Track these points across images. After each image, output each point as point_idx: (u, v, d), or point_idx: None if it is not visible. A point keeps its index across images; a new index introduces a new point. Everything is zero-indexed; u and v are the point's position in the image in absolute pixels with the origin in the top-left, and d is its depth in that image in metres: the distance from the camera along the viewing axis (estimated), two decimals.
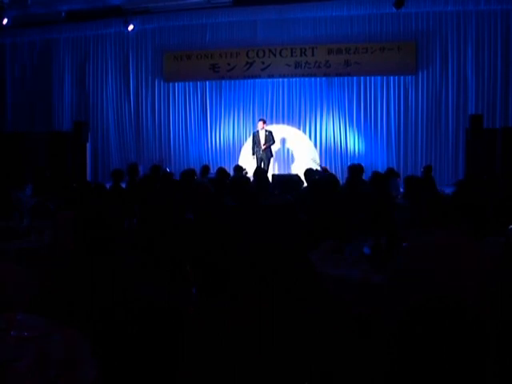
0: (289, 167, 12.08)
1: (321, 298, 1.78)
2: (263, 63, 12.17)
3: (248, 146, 11.62)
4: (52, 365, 1.69)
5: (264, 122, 11.22)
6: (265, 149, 10.96)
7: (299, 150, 12.13)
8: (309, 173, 6.73)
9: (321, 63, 11.91)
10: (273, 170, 11.56)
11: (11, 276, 2.49)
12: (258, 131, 11.17)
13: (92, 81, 13.20)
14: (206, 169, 8.57)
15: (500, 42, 11.14)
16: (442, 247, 2.70)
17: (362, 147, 11.94)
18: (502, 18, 11.13)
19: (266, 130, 11.12)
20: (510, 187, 6.47)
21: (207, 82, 12.62)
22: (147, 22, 12.35)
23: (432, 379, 1.34)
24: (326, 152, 12.08)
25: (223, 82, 12.50)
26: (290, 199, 5.07)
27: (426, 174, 8.63)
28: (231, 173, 8.11)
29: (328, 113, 12.06)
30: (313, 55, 11.94)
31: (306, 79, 12.13)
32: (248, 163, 10.75)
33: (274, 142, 11.13)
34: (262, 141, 11.01)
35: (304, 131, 12.19)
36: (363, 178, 6.81)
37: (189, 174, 7.05)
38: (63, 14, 11.90)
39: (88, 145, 12.01)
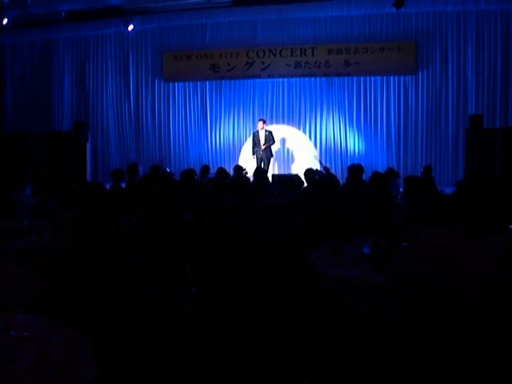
0: (289, 167, 12.08)
1: (321, 298, 1.78)
2: (263, 63, 12.17)
3: (248, 146, 11.62)
4: (52, 365, 1.69)
5: (264, 122, 11.22)
6: (265, 149, 10.96)
7: (299, 150, 12.13)
8: (309, 173, 6.73)
9: (321, 63, 11.91)
10: (273, 170, 11.56)
11: (11, 276, 2.49)
12: (257, 131, 11.17)
13: (92, 81, 13.20)
14: (205, 169, 8.57)
15: (500, 42, 11.14)
16: (442, 247, 2.70)
17: (362, 147, 11.94)
18: (502, 18, 11.13)
19: (266, 130, 11.13)
20: (510, 187, 6.47)
21: (207, 82, 12.62)
22: (147, 22, 12.35)
23: (432, 379, 1.34)
24: (326, 152, 12.08)
25: (223, 82, 12.50)
26: (290, 199, 5.07)
27: (426, 173, 8.64)
28: (231, 173, 8.11)
29: (328, 113, 12.06)
30: (313, 55, 11.94)
31: (306, 79, 12.13)
32: (248, 163, 10.75)
33: (273, 141, 11.13)
34: (262, 141, 11.01)
35: (304, 131, 12.19)
36: (363, 177, 6.81)
37: (189, 174, 7.05)
38: (63, 14, 11.90)
39: (88, 145, 12.01)
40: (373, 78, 11.83)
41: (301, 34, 11.97)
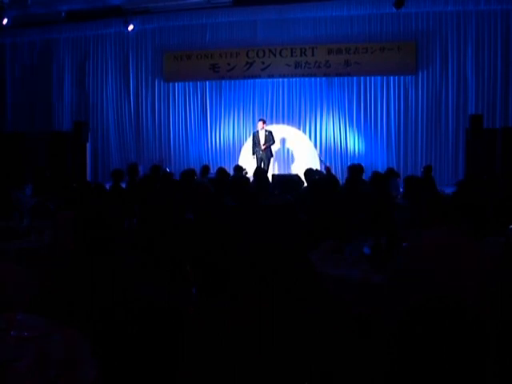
0: (289, 167, 12.07)
1: (321, 298, 1.78)
2: (263, 63, 12.17)
3: (248, 146, 11.62)
4: (52, 365, 1.69)
5: (264, 122, 11.22)
6: (264, 149, 10.96)
7: (299, 150, 12.13)
8: (309, 173, 6.73)
9: (321, 63, 11.91)
10: (273, 170, 11.56)
11: (11, 276, 2.49)
12: (257, 131, 11.17)
13: (92, 81, 13.21)
14: (205, 169, 8.57)
15: (500, 42, 11.14)
16: (442, 247, 2.70)
17: (362, 147, 11.94)
18: (502, 18, 11.13)
19: (266, 130, 11.12)
20: (510, 187, 6.47)
21: (207, 82, 12.62)
22: (147, 22, 12.35)
23: (432, 379, 1.34)
24: (326, 152, 12.08)
25: (223, 82, 12.50)
26: (290, 199, 5.07)
27: (426, 173, 8.64)
28: (231, 173, 8.11)
29: (328, 113, 12.06)
30: (313, 55, 11.94)
31: (306, 79, 12.13)
32: (248, 163, 10.75)
33: (273, 141, 11.13)
34: (262, 141, 11.01)
35: (304, 131, 12.19)
36: (363, 177, 6.81)
37: (189, 174, 7.05)
38: (63, 14, 11.91)
39: (88, 145, 12.02)
40: (373, 78, 11.83)
41: (301, 34, 11.97)
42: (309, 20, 11.89)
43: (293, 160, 12.17)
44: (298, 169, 10.27)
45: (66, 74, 13.34)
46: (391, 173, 7.62)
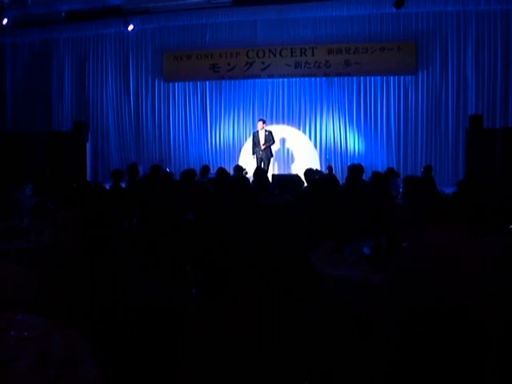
0: (289, 167, 12.08)
1: (321, 298, 1.78)
2: (263, 63, 12.17)
3: (248, 146, 11.62)
4: (52, 365, 1.69)
5: (264, 122, 11.22)
6: (264, 149, 10.96)
7: (299, 150, 12.13)
8: (309, 173, 6.72)
9: (321, 63, 11.91)
10: (273, 170, 11.56)
11: (11, 276, 2.49)
12: (257, 131, 11.17)
13: (92, 81, 13.21)
14: (205, 169, 8.56)
15: (500, 42, 11.14)
16: (442, 247, 2.70)
17: (362, 147, 11.94)
18: (502, 18, 11.13)
19: (266, 130, 11.13)
20: (510, 187, 6.47)
21: (207, 82, 12.62)
22: (147, 22, 12.35)
23: (432, 379, 1.34)
24: (326, 152, 12.08)
25: (223, 82, 12.50)
26: (290, 199, 5.07)
27: (426, 173, 8.64)
28: (231, 173, 8.11)
29: (328, 113, 12.06)
30: (313, 55, 11.94)
31: (306, 79, 12.13)
32: (248, 163, 10.75)
33: (273, 141, 11.13)
34: (262, 141, 11.01)
35: (304, 131, 12.19)
36: (363, 177, 6.81)
37: (189, 174, 7.05)
38: (63, 13, 11.91)
39: (88, 145, 12.02)
40: (373, 78, 11.83)
41: (301, 34, 11.97)
42: (309, 20, 11.89)
43: (293, 160, 12.17)
44: (298, 169, 10.28)
45: (66, 74, 13.34)
46: (391, 173, 7.61)
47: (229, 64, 12.31)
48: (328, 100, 12.06)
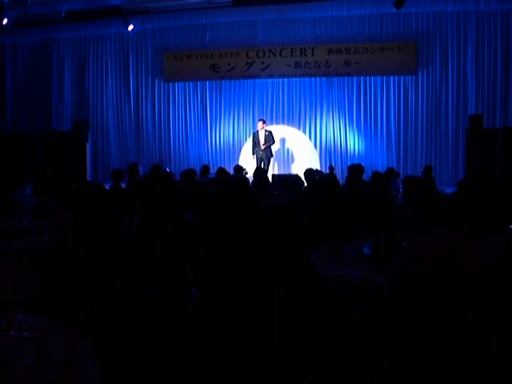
0: (289, 167, 12.08)
1: (321, 298, 1.78)
2: (263, 63, 12.17)
3: (248, 146, 11.63)
4: (52, 365, 1.69)
5: (264, 122, 11.22)
6: (264, 149, 10.96)
7: (299, 150, 12.13)
8: (309, 173, 6.72)
9: (321, 63, 11.91)
10: (273, 170, 11.57)
11: (11, 276, 2.49)
12: (257, 131, 11.18)
13: (92, 81, 13.21)
14: (205, 169, 8.56)
15: (500, 42, 11.14)
16: (442, 247, 2.70)
17: (362, 147, 11.94)
18: (502, 18, 11.13)
19: (266, 130, 11.13)
20: (510, 187, 6.47)
21: (207, 82, 12.62)
22: (147, 22, 12.35)
23: (432, 379, 1.34)
24: (325, 152, 12.09)
25: (223, 82, 12.51)
26: (290, 199, 5.06)
27: (426, 173, 8.64)
28: (231, 173, 8.11)
29: (328, 113, 12.06)
30: (313, 55, 11.94)
31: (306, 79, 12.13)
32: (248, 163, 10.76)
33: (273, 141, 11.13)
34: (262, 141, 11.01)
35: (304, 131, 12.19)
36: (363, 177, 6.80)
37: (189, 174, 7.05)
38: (63, 13, 11.91)
39: (88, 145, 12.02)
40: (373, 78, 11.83)
41: (301, 34, 11.97)
42: (309, 20, 11.89)
43: (293, 160, 12.17)
44: (298, 169, 10.28)
45: (66, 74, 13.34)
46: (391, 173, 7.61)
47: (229, 64, 12.31)
48: (328, 100, 12.06)
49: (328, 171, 10.33)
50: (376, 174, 6.38)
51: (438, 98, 11.53)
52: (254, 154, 11.07)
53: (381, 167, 10.24)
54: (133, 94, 12.98)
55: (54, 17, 12.03)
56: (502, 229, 3.23)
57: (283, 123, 12.22)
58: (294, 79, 12.20)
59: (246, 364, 1.56)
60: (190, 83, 12.73)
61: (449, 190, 6.61)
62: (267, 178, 7.55)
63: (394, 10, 10.37)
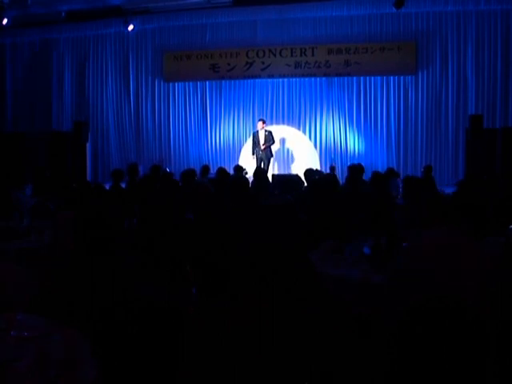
0: (289, 167, 12.08)
1: (321, 298, 1.78)
2: (263, 63, 12.17)
3: (248, 146, 11.63)
4: (52, 365, 1.69)
5: (264, 122, 11.22)
6: (264, 149, 10.97)
7: (299, 150, 12.13)
8: (309, 173, 6.72)
9: (321, 63, 11.91)
10: (273, 170, 11.57)
11: (11, 276, 2.49)
12: (257, 131, 11.18)
13: (92, 81, 13.21)
14: (206, 169, 8.56)
15: (500, 42, 11.15)
16: (442, 247, 2.70)
17: (362, 147, 11.94)
18: (502, 18, 11.14)
19: (266, 130, 11.13)
20: (510, 187, 6.47)
21: (207, 82, 12.62)
22: (147, 22, 12.35)
23: (432, 379, 1.34)
24: (325, 152, 12.09)
25: (223, 82, 12.51)
26: (290, 199, 5.06)
27: (426, 173, 8.64)
28: (231, 173, 8.11)
29: (328, 113, 12.07)
30: (313, 55, 11.94)
31: (306, 79, 12.14)
32: (248, 163, 10.76)
33: (273, 141, 11.13)
34: (262, 141, 11.02)
35: (304, 131, 12.19)
36: (363, 177, 6.80)
37: (189, 174, 7.05)
38: (63, 14, 11.91)
39: (88, 145, 12.02)
40: (373, 78, 11.83)
41: (301, 34, 11.97)
42: (309, 20, 11.89)
43: (293, 160, 12.17)
44: (298, 169, 10.28)
45: (66, 74, 13.34)
46: (391, 173, 7.61)
47: (229, 64, 12.31)
48: (328, 100, 12.06)
49: (329, 171, 10.33)
50: (376, 174, 6.38)
51: (438, 98, 11.53)
52: (253, 154, 11.07)
53: (381, 167, 10.24)
54: (133, 94, 12.98)
55: (53, 17, 12.03)
56: (502, 229, 3.23)
57: (283, 123, 12.22)
58: (294, 79, 12.20)
59: (246, 364, 1.56)
60: (190, 83, 12.73)
61: (449, 190, 6.61)
62: (267, 178, 7.54)
63: (394, 10, 10.37)
